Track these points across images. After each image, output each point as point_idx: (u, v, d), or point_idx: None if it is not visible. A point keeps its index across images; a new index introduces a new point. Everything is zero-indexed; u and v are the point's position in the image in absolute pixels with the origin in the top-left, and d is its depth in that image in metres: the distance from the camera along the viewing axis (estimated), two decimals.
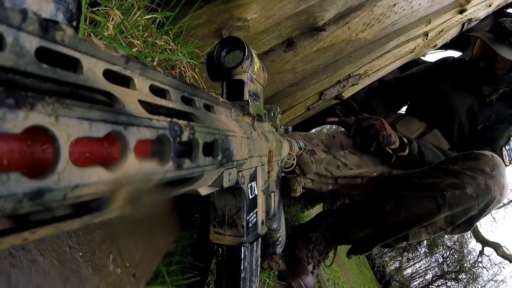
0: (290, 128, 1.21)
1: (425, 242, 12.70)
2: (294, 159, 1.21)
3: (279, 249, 1.19)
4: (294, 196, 1.31)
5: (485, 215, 1.62)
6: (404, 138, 1.89)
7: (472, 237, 12.71)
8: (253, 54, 0.79)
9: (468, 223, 1.59)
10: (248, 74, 0.78)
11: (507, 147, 2.07)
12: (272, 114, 1.06)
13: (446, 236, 12.93)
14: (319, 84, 2.49)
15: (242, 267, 0.71)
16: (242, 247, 0.71)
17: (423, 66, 2.62)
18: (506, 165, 2.00)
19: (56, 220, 0.24)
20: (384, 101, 2.55)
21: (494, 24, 2.11)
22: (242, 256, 0.71)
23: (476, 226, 11.44)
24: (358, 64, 2.59)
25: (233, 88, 0.79)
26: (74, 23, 0.29)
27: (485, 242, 12.94)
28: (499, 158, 1.63)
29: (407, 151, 1.86)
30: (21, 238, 0.21)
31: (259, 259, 0.83)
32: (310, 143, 2.00)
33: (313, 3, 1.71)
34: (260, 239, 0.83)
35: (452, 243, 14.30)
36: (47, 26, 0.22)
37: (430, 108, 2.30)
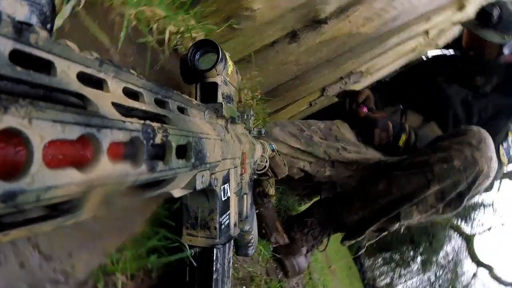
0: (263, 131, 1.22)
1: (418, 258, 12.74)
2: (267, 161, 1.22)
3: (251, 251, 1.20)
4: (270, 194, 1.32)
5: (475, 192, 1.66)
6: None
7: (468, 256, 12.79)
8: (227, 57, 0.80)
9: (458, 199, 1.63)
10: (222, 77, 0.78)
11: (504, 145, 2.07)
12: (245, 116, 1.06)
13: (440, 254, 12.97)
14: (322, 79, 2.54)
15: (214, 268, 0.71)
16: (215, 249, 0.71)
17: (417, 62, 2.67)
18: (502, 163, 2.01)
19: (28, 222, 0.24)
20: (382, 97, 2.58)
21: (477, 10, 2.15)
22: (214, 257, 0.71)
23: (473, 246, 11.50)
24: (360, 61, 2.63)
25: (207, 90, 0.79)
26: (48, 26, 0.29)
27: (479, 263, 13.05)
28: (486, 132, 1.66)
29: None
30: None
31: (231, 261, 0.83)
32: (309, 129, 2.09)
33: None
34: (232, 241, 0.83)
35: (446, 261, 14.40)
36: (21, 29, 0.22)
37: (426, 101, 2.35)
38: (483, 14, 2.05)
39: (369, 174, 2.00)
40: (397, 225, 1.80)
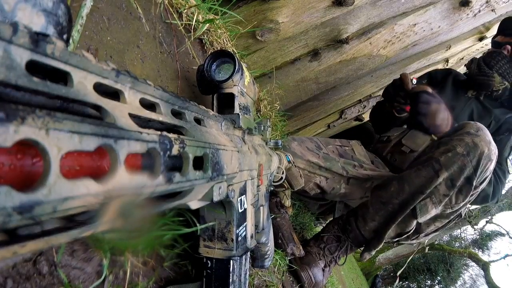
0: (280, 142, 1.21)
1: (436, 287, 12.53)
2: (283, 173, 1.21)
3: (267, 263, 1.19)
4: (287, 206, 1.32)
5: (481, 175, 1.70)
6: None
7: (485, 283, 12.53)
8: (244, 67, 0.79)
9: (468, 184, 1.68)
10: (239, 88, 0.78)
11: (510, 158, 2.21)
12: (262, 127, 1.06)
13: (458, 282, 12.70)
14: (340, 100, 2.58)
15: (230, 280, 0.70)
16: (231, 261, 0.70)
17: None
18: (509, 173, 2.14)
19: (45, 234, 0.24)
20: (381, 120, 2.58)
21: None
22: (231, 269, 0.70)
23: (490, 273, 11.27)
24: (379, 85, 2.66)
25: (224, 101, 0.79)
26: (65, 36, 0.29)
27: None
28: (482, 125, 1.75)
29: None
30: (10, 251, 0.21)
31: (248, 273, 0.83)
32: (326, 148, 2.15)
33: (338, 15, 1.81)
34: (249, 253, 0.82)
35: None
36: (37, 39, 0.22)
37: None
38: None
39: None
40: (414, 223, 1.80)
